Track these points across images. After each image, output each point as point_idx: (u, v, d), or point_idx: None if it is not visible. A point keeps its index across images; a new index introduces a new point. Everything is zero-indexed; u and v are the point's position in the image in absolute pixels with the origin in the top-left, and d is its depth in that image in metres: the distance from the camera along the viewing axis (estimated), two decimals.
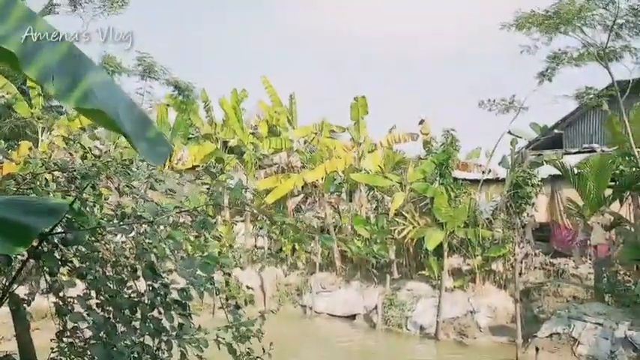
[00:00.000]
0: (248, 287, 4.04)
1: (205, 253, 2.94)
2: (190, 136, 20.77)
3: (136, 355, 2.67)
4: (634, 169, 13.46)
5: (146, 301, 2.80)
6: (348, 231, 17.25)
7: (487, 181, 16.31)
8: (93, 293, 2.79)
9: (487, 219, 14.79)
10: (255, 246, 18.77)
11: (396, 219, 15.54)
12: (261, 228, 18.07)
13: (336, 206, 18.62)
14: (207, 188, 3.35)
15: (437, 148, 16.49)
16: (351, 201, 18.27)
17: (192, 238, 3.21)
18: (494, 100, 15.89)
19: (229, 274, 3.01)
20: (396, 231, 15.17)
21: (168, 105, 20.37)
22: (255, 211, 15.84)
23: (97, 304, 2.77)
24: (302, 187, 18.17)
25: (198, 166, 17.63)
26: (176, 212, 3.04)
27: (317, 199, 18.81)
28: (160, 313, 2.83)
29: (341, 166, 17.53)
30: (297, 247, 17.47)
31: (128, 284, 2.91)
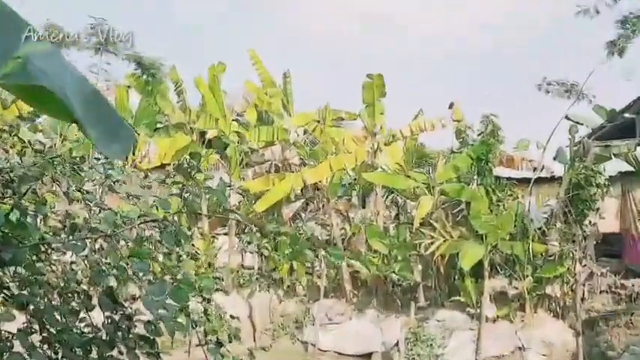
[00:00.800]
0: (232, 317, 4.05)
1: (179, 276, 2.95)
2: (158, 125, 20.81)
3: None
4: None
5: (103, 337, 2.81)
6: (361, 245, 17.25)
7: (539, 181, 16.27)
8: (36, 327, 2.79)
9: (539, 229, 14.76)
10: (243, 265, 18.79)
11: (422, 230, 15.53)
12: (249, 242, 18.09)
13: (345, 214, 18.63)
14: (180, 191, 3.36)
15: (474, 138, 16.49)
16: (364, 207, 18.28)
17: (161, 257, 3.22)
18: (549, 82, 15.86)
19: (209, 301, 3.01)
20: (423, 245, 15.17)
21: (129, 86, 20.43)
22: (241, 220, 15.86)
23: (41, 340, 2.78)
24: (301, 189, 18.18)
25: (169, 164, 17.67)
26: (141, 223, 3.05)
27: (321, 206, 18.83)
28: (120, 352, 2.83)
29: (351, 163, 17.54)
30: (295, 266, 17.49)
31: (81, 316, 2.92)
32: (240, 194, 19.40)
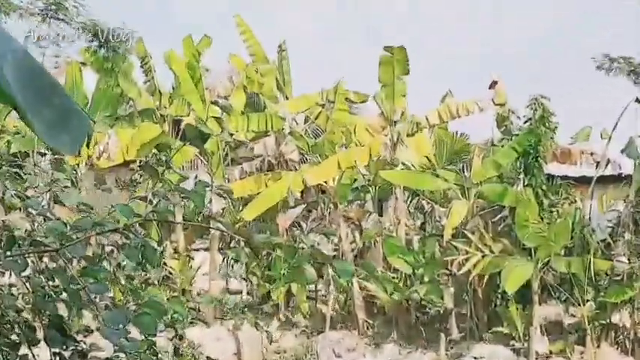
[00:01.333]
0: (209, 359, 4.05)
1: (144, 300, 2.95)
2: (120, 113, 20.86)
3: None
4: None
5: None
6: (378, 263, 17.24)
7: (603, 180, 16.23)
8: None
9: (603, 241, 14.72)
10: (228, 289, 18.78)
11: (455, 243, 15.53)
12: (236, 260, 18.10)
13: (357, 223, 18.62)
14: (148, 194, 3.36)
15: (519, 126, 16.46)
16: (381, 215, 18.26)
17: (122, 278, 3.22)
18: (612, 58, 15.87)
19: (181, 337, 3.02)
20: (455, 263, 15.15)
21: (83, 63, 20.46)
22: (225, 231, 15.88)
23: None
24: (301, 192, 18.17)
25: (134, 161, 17.70)
26: (97, 234, 3.05)
27: (326, 213, 18.82)
28: None
29: (364, 159, 17.53)
30: (295, 289, 17.47)
31: (21, 352, 2.92)
32: (224, 198, 19.40)
